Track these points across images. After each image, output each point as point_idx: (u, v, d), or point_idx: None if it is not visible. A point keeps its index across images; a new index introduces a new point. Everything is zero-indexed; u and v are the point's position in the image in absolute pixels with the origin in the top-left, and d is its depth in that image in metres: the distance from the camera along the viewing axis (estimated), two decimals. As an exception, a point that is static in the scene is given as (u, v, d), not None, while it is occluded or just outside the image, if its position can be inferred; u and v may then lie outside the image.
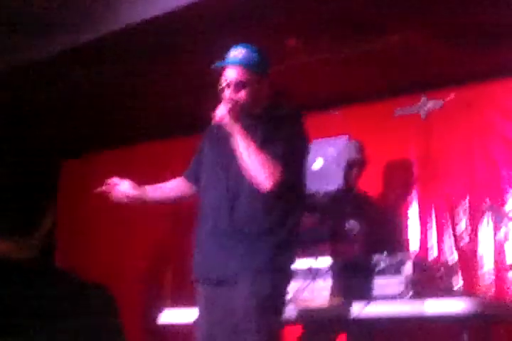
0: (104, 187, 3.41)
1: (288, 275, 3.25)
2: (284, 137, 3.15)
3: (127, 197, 3.40)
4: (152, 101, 5.74)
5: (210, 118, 3.20)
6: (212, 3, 4.09)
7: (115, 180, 3.42)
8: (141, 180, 6.48)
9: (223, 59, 3.30)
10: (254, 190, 3.10)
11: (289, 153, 3.14)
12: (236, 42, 3.34)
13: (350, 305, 3.63)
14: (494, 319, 3.70)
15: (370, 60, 4.91)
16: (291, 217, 3.21)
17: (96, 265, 6.42)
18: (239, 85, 3.20)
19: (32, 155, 1.52)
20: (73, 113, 5.92)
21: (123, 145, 6.70)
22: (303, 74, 5.06)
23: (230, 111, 3.13)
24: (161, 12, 4.23)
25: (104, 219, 6.67)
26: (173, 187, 3.52)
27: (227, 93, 3.22)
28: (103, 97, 5.64)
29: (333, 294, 3.74)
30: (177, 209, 5.88)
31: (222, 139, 3.21)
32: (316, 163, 4.08)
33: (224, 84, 3.23)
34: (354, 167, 4.44)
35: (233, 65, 3.22)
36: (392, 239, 4.69)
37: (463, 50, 4.66)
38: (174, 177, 3.61)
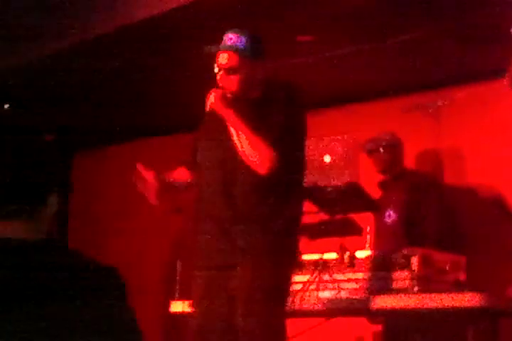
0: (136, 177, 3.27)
1: (290, 262, 3.22)
2: (280, 121, 3.11)
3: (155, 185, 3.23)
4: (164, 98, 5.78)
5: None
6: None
7: (141, 168, 3.26)
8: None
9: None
10: (251, 175, 3.07)
11: (285, 137, 3.10)
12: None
13: (357, 298, 3.66)
14: (501, 313, 3.71)
15: (382, 58, 4.93)
16: (292, 204, 3.18)
17: (107, 256, 6.47)
18: (230, 71, 3.14)
19: (44, 144, 1.53)
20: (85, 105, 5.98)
21: (135, 139, 6.75)
22: (312, 71, 5.07)
23: (221, 97, 3.10)
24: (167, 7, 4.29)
25: (116, 211, 6.74)
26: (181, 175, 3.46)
27: (218, 79, 3.16)
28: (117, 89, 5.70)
29: (340, 287, 3.78)
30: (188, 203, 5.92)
31: (218, 124, 3.16)
32: (325, 159, 4.11)
33: (216, 70, 3.17)
34: None
35: (224, 51, 3.15)
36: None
37: (473, 48, 4.68)
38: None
